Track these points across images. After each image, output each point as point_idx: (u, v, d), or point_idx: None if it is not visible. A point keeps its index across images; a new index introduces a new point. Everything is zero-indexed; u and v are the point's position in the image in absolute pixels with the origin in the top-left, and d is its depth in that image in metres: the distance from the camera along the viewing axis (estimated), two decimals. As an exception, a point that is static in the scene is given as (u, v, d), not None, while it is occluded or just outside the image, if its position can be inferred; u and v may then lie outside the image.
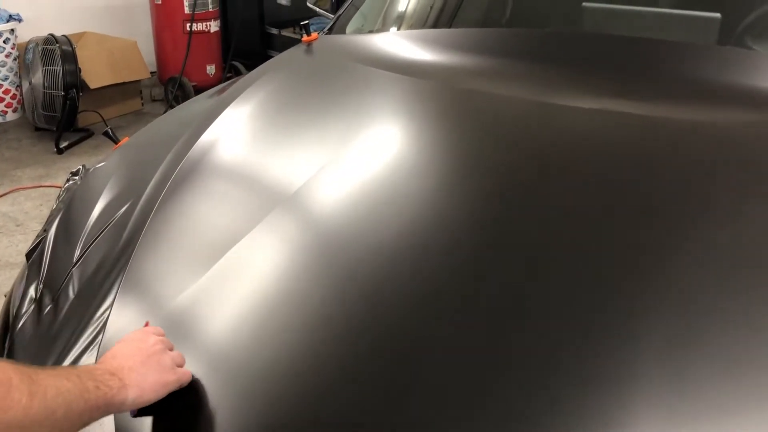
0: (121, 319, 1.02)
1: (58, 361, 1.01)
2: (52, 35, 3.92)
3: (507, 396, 0.78)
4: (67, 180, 1.58)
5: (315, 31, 1.94)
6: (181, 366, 0.85)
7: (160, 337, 0.86)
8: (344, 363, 0.86)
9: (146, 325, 0.93)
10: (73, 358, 1.01)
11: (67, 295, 1.14)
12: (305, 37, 1.86)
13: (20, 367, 0.68)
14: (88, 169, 1.55)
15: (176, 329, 0.95)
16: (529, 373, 0.80)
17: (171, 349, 0.87)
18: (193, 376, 0.87)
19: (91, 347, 1.01)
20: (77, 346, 1.02)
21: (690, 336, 0.81)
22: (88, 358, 0.99)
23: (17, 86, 4.28)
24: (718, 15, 1.52)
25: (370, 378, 0.84)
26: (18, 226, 3.08)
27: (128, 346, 0.83)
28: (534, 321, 0.86)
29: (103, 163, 1.53)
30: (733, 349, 0.80)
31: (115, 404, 0.76)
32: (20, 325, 1.15)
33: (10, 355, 1.10)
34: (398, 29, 2.00)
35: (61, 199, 1.51)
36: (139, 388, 0.78)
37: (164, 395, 0.81)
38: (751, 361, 0.78)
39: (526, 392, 0.78)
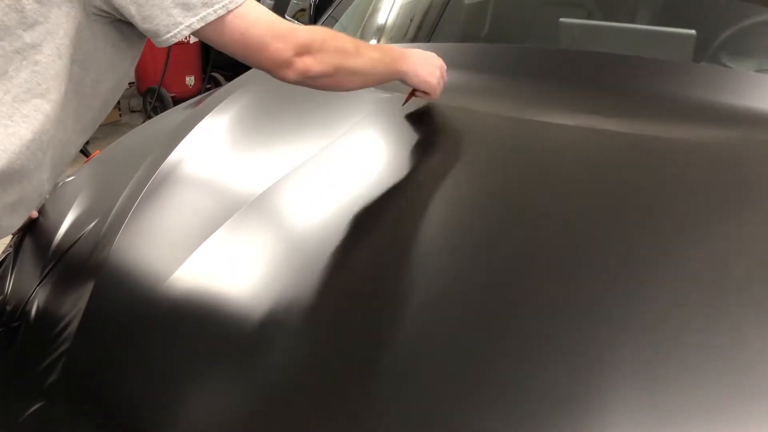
0: (89, 335, 1.01)
1: (28, 377, 1.01)
2: (28, 45, 3.87)
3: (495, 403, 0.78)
4: (36, 194, 1.55)
5: (293, 43, 1.93)
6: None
7: (441, 66, 1.31)
8: (331, 375, 0.86)
9: None
10: (39, 373, 1.00)
11: (32, 312, 1.12)
12: (283, 50, 1.85)
13: (353, 38, 1.15)
14: (58, 183, 1.52)
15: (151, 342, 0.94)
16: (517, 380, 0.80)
17: (443, 77, 1.32)
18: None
19: (59, 363, 1.00)
20: (44, 362, 1.01)
21: (671, 353, 0.81)
22: (56, 376, 0.98)
23: (-8, 96, 4.22)
24: (693, 32, 1.54)
25: (356, 380, 0.84)
26: (-11, 238, 3.01)
27: (420, 54, 1.29)
28: (526, 326, 0.86)
29: (72, 177, 1.51)
30: (715, 365, 0.79)
31: (398, 75, 1.24)
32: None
33: None
34: (377, 42, 1.99)
35: (29, 213, 1.48)
36: (412, 74, 1.26)
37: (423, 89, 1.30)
38: (737, 372, 0.78)
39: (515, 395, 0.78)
